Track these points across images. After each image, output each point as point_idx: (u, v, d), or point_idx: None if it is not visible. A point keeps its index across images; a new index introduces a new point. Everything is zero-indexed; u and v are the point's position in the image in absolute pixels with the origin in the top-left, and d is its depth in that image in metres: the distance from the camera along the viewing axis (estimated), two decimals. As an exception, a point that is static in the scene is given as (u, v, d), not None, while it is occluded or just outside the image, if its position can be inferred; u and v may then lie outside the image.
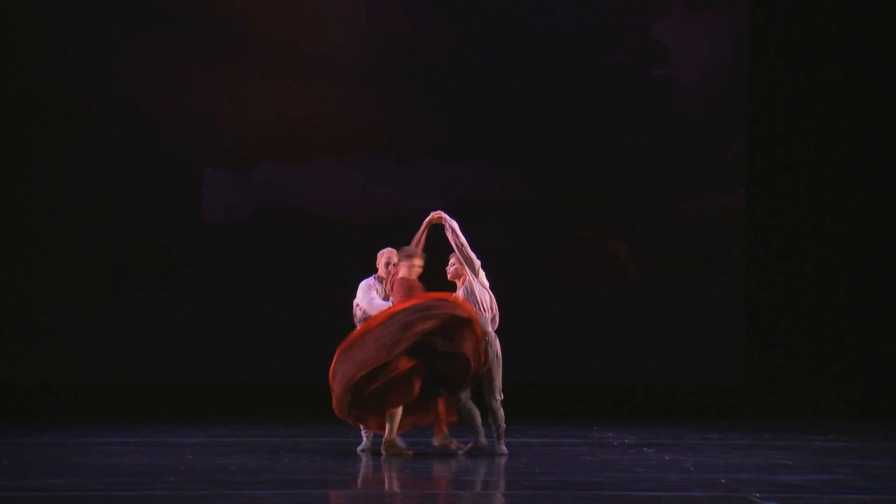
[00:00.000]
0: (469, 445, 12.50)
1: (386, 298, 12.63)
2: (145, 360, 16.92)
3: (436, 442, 12.86)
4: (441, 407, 12.76)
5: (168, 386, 16.92)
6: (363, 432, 12.81)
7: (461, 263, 12.53)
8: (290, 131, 17.06)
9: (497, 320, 12.63)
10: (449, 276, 12.67)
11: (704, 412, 16.95)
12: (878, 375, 17.07)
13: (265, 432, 14.48)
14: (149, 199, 16.98)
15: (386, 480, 11.17)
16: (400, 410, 12.35)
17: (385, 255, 12.82)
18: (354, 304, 12.73)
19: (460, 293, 12.46)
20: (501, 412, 12.54)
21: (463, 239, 12.48)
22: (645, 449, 13.13)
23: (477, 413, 12.49)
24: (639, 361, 17.06)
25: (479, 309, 12.42)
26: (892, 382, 17.05)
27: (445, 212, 12.71)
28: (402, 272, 12.57)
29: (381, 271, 12.80)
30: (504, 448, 12.54)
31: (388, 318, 12.22)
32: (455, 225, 12.54)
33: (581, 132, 17.21)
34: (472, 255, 12.53)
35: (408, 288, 12.47)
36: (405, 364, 12.16)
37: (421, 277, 12.66)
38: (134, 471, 11.18)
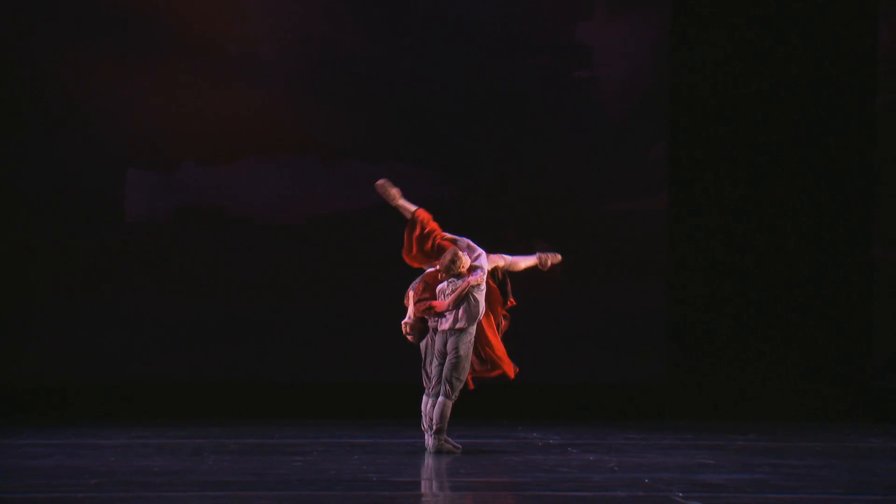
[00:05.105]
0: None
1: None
2: (63, 361, 16.75)
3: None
4: None
5: (88, 387, 16.76)
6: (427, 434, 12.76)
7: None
8: (214, 131, 16.97)
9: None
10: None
11: (627, 412, 17.03)
12: (798, 375, 17.22)
13: (188, 433, 14.39)
14: (69, 199, 16.83)
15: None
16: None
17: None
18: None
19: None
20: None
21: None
22: (569, 449, 13.17)
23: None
24: (562, 362, 17.11)
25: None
26: (812, 382, 17.21)
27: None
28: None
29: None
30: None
31: None
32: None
33: (504, 133, 17.25)
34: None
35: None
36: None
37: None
38: (54, 473, 11.07)
